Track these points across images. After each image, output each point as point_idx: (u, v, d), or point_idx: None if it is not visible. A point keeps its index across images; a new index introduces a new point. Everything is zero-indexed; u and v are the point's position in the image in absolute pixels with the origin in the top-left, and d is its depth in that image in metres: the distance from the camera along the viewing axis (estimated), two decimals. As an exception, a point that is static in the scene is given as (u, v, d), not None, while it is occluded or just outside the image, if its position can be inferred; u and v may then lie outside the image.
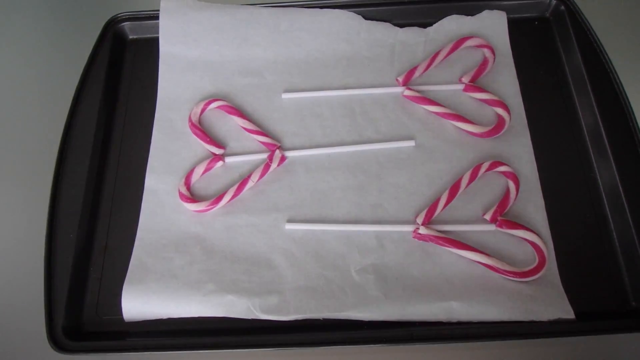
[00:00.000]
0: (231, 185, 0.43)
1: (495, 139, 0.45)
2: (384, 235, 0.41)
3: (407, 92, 0.47)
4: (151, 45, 0.51)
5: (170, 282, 0.39)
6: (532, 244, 0.40)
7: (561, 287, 0.38)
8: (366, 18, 0.50)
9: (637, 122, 0.44)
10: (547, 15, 0.52)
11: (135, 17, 0.52)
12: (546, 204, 0.42)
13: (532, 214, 0.42)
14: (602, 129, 0.44)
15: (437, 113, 0.46)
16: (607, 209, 0.42)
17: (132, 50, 0.53)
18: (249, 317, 0.38)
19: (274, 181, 0.44)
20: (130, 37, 0.53)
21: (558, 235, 0.41)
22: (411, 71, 0.47)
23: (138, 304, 0.39)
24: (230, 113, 0.47)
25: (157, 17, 0.50)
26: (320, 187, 0.43)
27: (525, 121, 0.46)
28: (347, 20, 0.50)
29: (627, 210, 0.41)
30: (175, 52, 0.50)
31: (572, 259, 0.40)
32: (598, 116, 0.45)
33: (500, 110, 0.45)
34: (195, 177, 0.44)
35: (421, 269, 0.40)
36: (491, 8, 0.51)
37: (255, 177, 0.43)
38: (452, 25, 0.50)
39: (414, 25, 0.50)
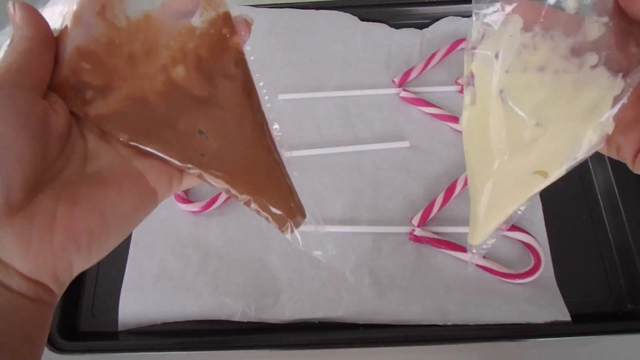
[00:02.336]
0: (227, 186, 0.43)
1: (491, 141, 0.45)
2: (380, 237, 0.41)
3: (403, 94, 0.47)
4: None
5: (166, 286, 0.39)
6: (528, 245, 0.40)
7: (557, 288, 0.38)
8: (362, 19, 0.50)
9: (633, 124, 0.44)
10: (544, 16, 0.52)
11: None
12: (542, 205, 0.42)
13: (528, 215, 0.42)
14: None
15: (433, 114, 0.46)
16: (603, 211, 0.42)
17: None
18: (244, 320, 0.38)
19: (269, 182, 0.44)
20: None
21: (554, 237, 0.41)
22: (407, 73, 0.47)
23: (135, 308, 0.39)
24: (226, 114, 0.47)
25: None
26: (316, 188, 0.43)
27: (521, 122, 0.46)
28: (342, 22, 0.50)
29: (623, 212, 0.41)
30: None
31: (568, 261, 0.40)
32: (594, 118, 0.45)
33: (496, 112, 0.45)
34: (190, 178, 0.44)
35: (416, 270, 0.40)
36: (488, 9, 0.51)
37: (250, 178, 0.43)
38: (448, 26, 0.50)
39: (410, 26, 0.51)
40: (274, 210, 0.23)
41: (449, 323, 0.37)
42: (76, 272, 0.21)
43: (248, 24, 0.23)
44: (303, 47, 0.50)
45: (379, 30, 0.50)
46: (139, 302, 0.39)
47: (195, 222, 0.42)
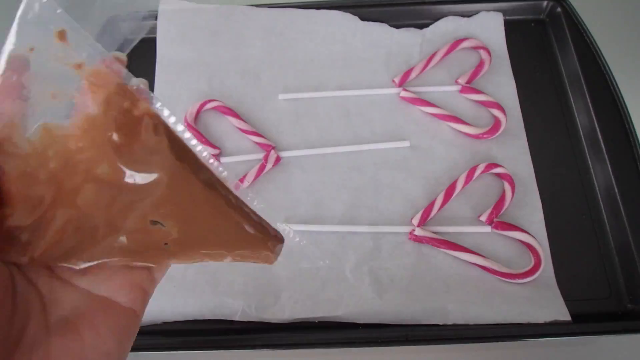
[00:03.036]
0: (227, 186, 0.43)
1: (492, 141, 0.45)
2: (380, 237, 0.41)
3: (404, 94, 0.47)
4: (148, 46, 0.51)
5: (166, 285, 0.39)
6: (528, 245, 0.40)
7: (557, 288, 0.38)
8: (362, 19, 0.50)
9: (632, 124, 0.44)
10: (544, 17, 0.52)
11: (133, 18, 0.52)
12: (542, 205, 0.42)
13: (528, 215, 0.42)
14: (598, 130, 0.44)
15: (433, 114, 0.46)
16: (603, 211, 0.42)
17: (129, 51, 0.53)
18: (245, 319, 0.38)
19: (269, 182, 0.44)
20: (128, 37, 0.53)
21: (554, 236, 0.41)
22: (407, 72, 0.47)
23: None
24: (225, 114, 0.47)
25: (154, 18, 0.50)
26: (316, 188, 0.43)
27: (521, 123, 0.46)
28: (343, 22, 0.50)
29: (623, 212, 0.41)
30: (172, 53, 0.50)
31: (568, 261, 0.40)
32: (594, 117, 0.45)
33: (496, 112, 0.45)
34: (190, 178, 0.44)
35: (417, 270, 0.40)
36: (488, 9, 0.51)
37: (250, 177, 0.43)
38: (448, 26, 0.50)
39: (410, 26, 0.50)
40: (253, 255, 0.22)
41: (449, 323, 0.37)
42: None
43: (146, 85, 0.21)
44: (303, 47, 0.50)
45: (379, 30, 0.50)
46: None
47: (195, 222, 0.42)
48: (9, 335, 0.17)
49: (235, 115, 0.46)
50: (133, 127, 0.19)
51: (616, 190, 0.42)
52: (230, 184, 0.22)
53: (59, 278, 0.19)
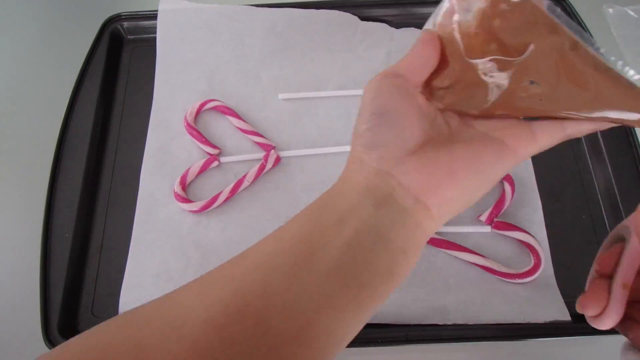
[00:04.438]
0: (226, 186, 0.43)
1: (491, 140, 0.45)
2: (380, 236, 0.41)
3: (404, 93, 0.47)
4: (148, 45, 0.51)
5: (166, 285, 0.39)
6: (528, 245, 0.40)
7: (557, 288, 0.38)
8: (362, 19, 0.50)
9: (633, 124, 0.44)
10: (544, 16, 0.52)
11: (133, 17, 0.52)
12: (542, 205, 0.42)
13: (528, 215, 0.42)
14: (598, 130, 0.44)
15: (433, 114, 0.46)
16: (603, 211, 0.42)
17: (130, 50, 0.53)
18: (244, 318, 0.38)
19: (269, 182, 0.44)
20: (128, 37, 0.53)
21: (554, 236, 0.41)
22: (407, 72, 0.47)
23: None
24: (225, 113, 0.47)
25: (154, 17, 0.50)
26: (316, 188, 0.43)
27: (521, 122, 0.46)
28: (343, 22, 0.50)
29: (623, 212, 0.41)
30: (172, 53, 0.50)
31: (568, 261, 0.40)
32: (594, 118, 0.45)
33: (496, 112, 0.45)
34: (190, 178, 0.44)
35: (417, 270, 0.39)
36: (488, 9, 0.51)
37: (250, 177, 0.43)
38: (448, 26, 0.50)
39: (410, 26, 0.51)
40: (623, 115, 0.25)
41: (449, 323, 0.37)
42: (452, 209, 0.26)
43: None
44: (303, 47, 0.50)
45: (379, 30, 0.50)
46: (139, 302, 0.38)
47: (195, 222, 0.42)
48: (426, 133, 0.26)
49: (235, 115, 0.46)
50: (511, 12, 0.25)
51: (616, 189, 0.42)
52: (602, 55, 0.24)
53: (465, 123, 0.28)
